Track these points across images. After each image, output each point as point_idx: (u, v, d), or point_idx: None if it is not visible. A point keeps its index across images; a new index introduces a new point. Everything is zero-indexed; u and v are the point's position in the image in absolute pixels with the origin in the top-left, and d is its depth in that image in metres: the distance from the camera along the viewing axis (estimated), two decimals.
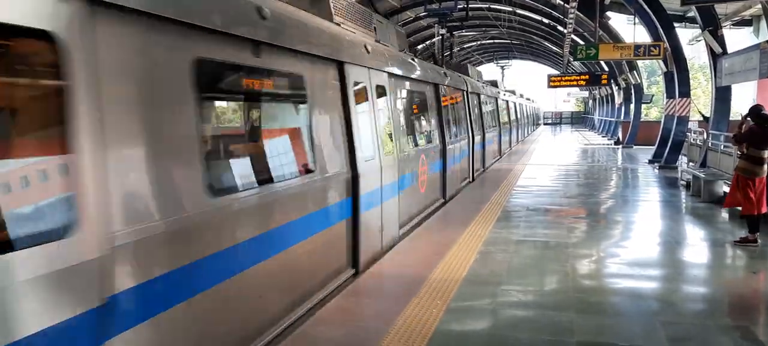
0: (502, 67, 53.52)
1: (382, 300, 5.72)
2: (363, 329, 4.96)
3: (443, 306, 5.46)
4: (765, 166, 8.01)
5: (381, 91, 8.19)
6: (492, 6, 32.54)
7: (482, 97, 18.74)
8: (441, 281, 6.20)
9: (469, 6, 26.73)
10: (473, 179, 15.68)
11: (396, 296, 5.75)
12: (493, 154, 20.51)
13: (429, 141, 11.17)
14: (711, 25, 15.75)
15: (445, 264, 6.87)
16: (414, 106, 10.59)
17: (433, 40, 29.44)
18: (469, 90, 16.05)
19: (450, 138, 12.46)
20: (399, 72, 9.09)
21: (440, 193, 11.78)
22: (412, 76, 10.04)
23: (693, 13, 17.00)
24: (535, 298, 5.84)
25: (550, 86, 29.77)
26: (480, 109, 18.16)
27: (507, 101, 27.15)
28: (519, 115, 33.18)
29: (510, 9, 32.44)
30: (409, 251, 7.60)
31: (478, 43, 46.92)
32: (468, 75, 17.81)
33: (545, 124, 70.12)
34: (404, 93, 9.83)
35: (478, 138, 16.92)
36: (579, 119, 71.57)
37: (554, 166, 19.02)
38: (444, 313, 5.29)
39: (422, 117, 11.10)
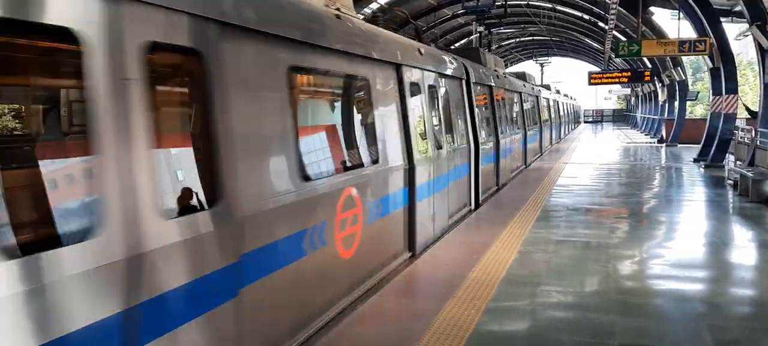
0: (542, 65, 52.91)
1: (421, 299, 5.71)
2: (401, 328, 4.96)
3: (482, 306, 5.42)
4: None
5: (446, 92, 9.55)
6: (531, 2, 32.21)
7: (523, 95, 18.61)
8: (479, 281, 6.16)
9: (508, 3, 26.46)
10: (518, 175, 15.71)
11: (435, 295, 5.73)
12: (533, 153, 20.30)
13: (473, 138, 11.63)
14: (759, 19, 15.22)
15: (483, 263, 6.83)
16: (483, 104, 12.29)
17: (471, 37, 29.26)
18: (513, 89, 16.16)
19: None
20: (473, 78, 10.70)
21: (494, 181, 13.43)
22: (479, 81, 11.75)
23: (740, 7, 16.49)
24: (576, 299, 5.75)
25: (590, 84, 29.23)
26: (521, 107, 18.06)
27: (547, 99, 26.82)
28: (559, 113, 32.71)
29: (549, 5, 32.07)
30: (448, 250, 7.57)
31: (517, 40, 46.51)
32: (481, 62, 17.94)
33: (586, 122, 68.98)
34: (477, 92, 11.43)
35: (519, 136, 16.84)
36: (621, 117, 70.16)
37: (595, 165, 18.70)
38: (482, 313, 5.25)
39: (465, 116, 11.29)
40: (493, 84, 13.84)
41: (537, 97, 22.93)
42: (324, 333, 4.90)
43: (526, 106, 19.59)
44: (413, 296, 5.89)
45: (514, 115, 17.21)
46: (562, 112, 35.52)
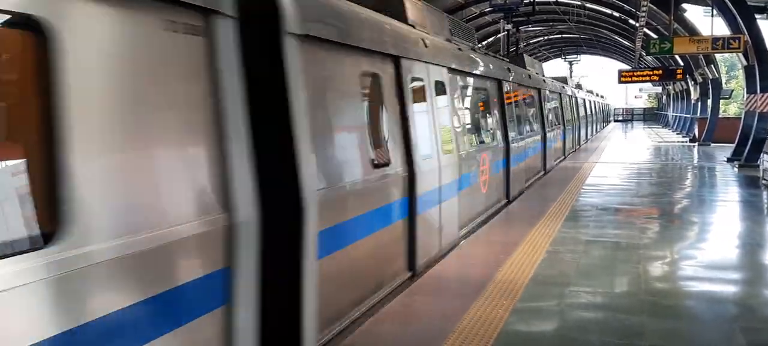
0: (570, 63, 52.33)
1: (448, 299, 5.71)
2: (427, 328, 4.97)
3: (510, 306, 5.40)
4: None
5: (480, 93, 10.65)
6: (560, 0, 31.86)
7: (551, 93, 18.48)
8: (507, 281, 6.13)
9: (536, 0, 26.25)
10: (546, 173, 15.60)
11: (462, 294, 5.72)
12: (561, 152, 20.10)
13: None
14: None
15: (511, 263, 6.80)
16: (517, 102, 13.31)
17: (499, 36, 29.09)
18: (541, 88, 16.09)
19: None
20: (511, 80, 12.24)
21: (541, 164, 15.49)
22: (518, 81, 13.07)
23: None
24: (605, 300, 5.69)
25: (621, 82, 28.83)
26: (550, 105, 17.96)
27: (575, 97, 26.53)
28: (588, 112, 32.33)
29: (578, 2, 31.71)
30: (477, 247, 7.56)
31: (545, 38, 46.09)
32: (540, 72, 18.27)
33: (616, 121, 68.02)
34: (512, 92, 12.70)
35: (549, 134, 16.76)
36: (652, 116, 69.03)
37: (625, 165, 18.44)
38: (510, 313, 5.23)
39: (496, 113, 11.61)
40: (541, 87, 15.99)
41: (572, 97, 23.91)
42: (349, 332, 4.93)
43: (564, 105, 20.31)
44: (440, 294, 5.89)
45: (556, 114, 18.78)
46: (592, 111, 35.12)
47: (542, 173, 15.99)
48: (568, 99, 22.98)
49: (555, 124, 19.14)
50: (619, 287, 6.11)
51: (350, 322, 5.05)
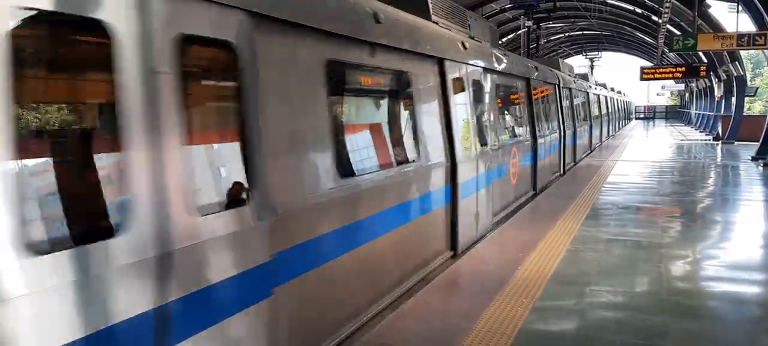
0: (592, 60, 51.83)
1: (467, 296, 5.70)
2: (447, 325, 4.97)
3: (529, 305, 5.37)
4: None
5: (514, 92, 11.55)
6: None
7: (572, 90, 18.36)
8: (527, 279, 6.11)
9: None
10: (563, 173, 15.48)
11: (483, 292, 5.72)
12: (582, 150, 19.95)
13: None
14: None
15: (531, 261, 6.77)
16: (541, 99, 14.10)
17: (519, 32, 28.92)
18: (561, 84, 16.10)
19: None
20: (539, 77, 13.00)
21: (559, 166, 15.69)
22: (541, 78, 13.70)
23: None
24: (626, 299, 5.64)
25: (642, 79, 28.50)
26: (571, 102, 17.84)
27: (597, 95, 26.31)
28: (609, 109, 32.03)
29: None
30: (495, 246, 7.53)
31: (566, 34, 45.71)
32: (559, 68, 18.14)
33: (637, 118, 67.28)
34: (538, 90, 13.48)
35: (569, 132, 16.66)
36: (674, 113, 68.18)
37: (647, 163, 18.24)
38: (530, 312, 5.21)
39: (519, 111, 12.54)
40: (572, 87, 17.87)
41: (595, 95, 24.70)
42: (370, 328, 4.95)
43: (576, 102, 20.11)
44: (459, 292, 5.88)
45: (578, 112, 19.50)
46: (614, 109, 34.79)
47: (561, 171, 15.94)
48: (590, 97, 22.82)
49: (578, 122, 19.43)
50: (640, 286, 6.05)
51: (419, 280, 6.38)
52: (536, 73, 12.85)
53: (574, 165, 17.50)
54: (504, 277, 6.16)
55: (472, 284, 6.14)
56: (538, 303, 5.42)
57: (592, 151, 21.27)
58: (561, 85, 15.59)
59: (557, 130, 15.07)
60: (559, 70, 17.19)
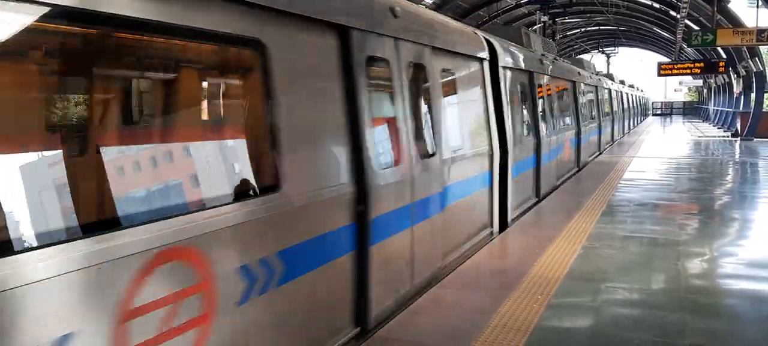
0: (608, 55, 51.36)
1: (483, 292, 5.69)
2: (463, 320, 4.96)
3: (544, 301, 5.35)
4: None
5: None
6: None
7: (587, 86, 18.26)
8: (542, 276, 6.09)
9: None
10: (579, 169, 15.43)
11: (497, 288, 5.70)
12: (596, 146, 19.80)
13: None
14: None
15: (546, 257, 6.74)
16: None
17: (535, 27, 28.74)
18: (604, 86, 17.24)
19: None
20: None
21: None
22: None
23: None
24: (643, 297, 5.60)
25: (660, 75, 28.22)
26: (586, 98, 17.78)
27: (614, 91, 26.09)
28: (625, 105, 31.74)
29: None
30: (511, 242, 7.51)
31: (582, 30, 45.34)
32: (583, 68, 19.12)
33: (654, 114, 66.63)
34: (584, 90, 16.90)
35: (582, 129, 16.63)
36: (692, 110, 67.44)
37: (663, 159, 18.07)
38: (545, 308, 5.19)
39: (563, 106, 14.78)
40: (597, 86, 19.72)
41: (620, 92, 26.27)
42: (385, 323, 4.95)
43: (613, 99, 22.17)
44: (473, 288, 5.87)
45: (604, 106, 20.92)
46: (630, 105, 34.47)
47: (577, 168, 15.90)
48: (607, 92, 22.70)
49: (601, 117, 20.15)
50: (657, 284, 6.00)
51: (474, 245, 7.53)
52: (579, 75, 16.26)
53: (591, 159, 17.39)
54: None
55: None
56: (554, 300, 5.39)
57: (601, 153, 21.09)
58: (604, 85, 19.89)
59: (572, 126, 15.37)
60: (583, 69, 18.91)
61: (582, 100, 16.50)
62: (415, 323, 4.90)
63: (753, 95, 28.55)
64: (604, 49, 52.20)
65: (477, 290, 5.76)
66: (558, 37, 33.86)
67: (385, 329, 4.79)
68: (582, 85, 16.54)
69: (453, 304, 5.37)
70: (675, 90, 76.45)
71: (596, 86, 19.44)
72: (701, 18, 27.36)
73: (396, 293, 5.33)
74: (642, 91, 52.54)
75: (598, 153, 19.57)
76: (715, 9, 20.07)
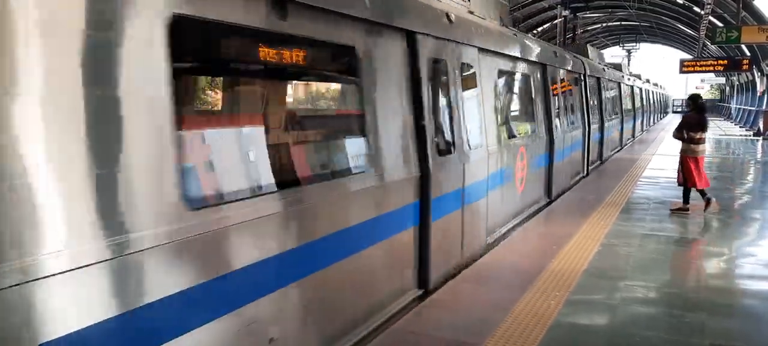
0: (629, 51, 50.80)
1: (500, 288, 5.73)
2: (480, 315, 5.01)
3: (563, 298, 5.39)
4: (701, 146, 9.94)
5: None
6: None
7: (602, 82, 18.18)
8: (560, 272, 6.11)
9: None
10: (602, 162, 15.41)
11: (515, 284, 5.74)
12: (615, 144, 19.67)
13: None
14: None
15: (564, 254, 6.76)
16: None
17: (555, 22, 28.53)
18: (628, 84, 17.40)
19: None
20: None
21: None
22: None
23: None
24: (661, 295, 5.61)
25: (682, 72, 27.90)
26: (600, 94, 17.72)
27: (635, 87, 25.86)
28: (645, 102, 31.41)
29: None
30: (529, 239, 7.54)
31: (603, 25, 44.87)
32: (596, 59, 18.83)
33: (675, 112, 65.86)
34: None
35: (596, 126, 16.60)
36: (713, 108, 66.57)
37: None
38: (563, 305, 5.22)
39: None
40: (621, 83, 20.54)
41: (641, 89, 27.00)
42: (400, 316, 5.02)
43: (634, 96, 22.68)
44: (490, 284, 5.91)
45: (619, 104, 20.63)
46: (651, 101, 34.15)
47: (599, 161, 15.88)
48: (628, 89, 22.55)
49: (623, 114, 20.63)
50: (675, 282, 6.00)
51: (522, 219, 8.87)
52: (604, 73, 17.41)
53: (611, 156, 17.27)
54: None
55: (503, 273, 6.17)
56: (572, 297, 5.42)
57: (623, 146, 20.95)
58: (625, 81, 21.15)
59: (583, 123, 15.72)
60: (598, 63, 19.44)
61: (605, 96, 17.43)
62: (433, 317, 4.97)
63: None
64: (625, 44, 51.64)
65: (498, 285, 5.80)
66: (579, 31, 33.58)
67: (441, 291, 5.49)
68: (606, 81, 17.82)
69: (470, 299, 5.43)
70: (697, 87, 75.45)
71: (618, 83, 20.31)
72: (725, 14, 26.98)
73: (447, 265, 6.14)
74: (662, 87, 51.88)
75: (619, 148, 19.45)
76: (740, 6, 19.78)
